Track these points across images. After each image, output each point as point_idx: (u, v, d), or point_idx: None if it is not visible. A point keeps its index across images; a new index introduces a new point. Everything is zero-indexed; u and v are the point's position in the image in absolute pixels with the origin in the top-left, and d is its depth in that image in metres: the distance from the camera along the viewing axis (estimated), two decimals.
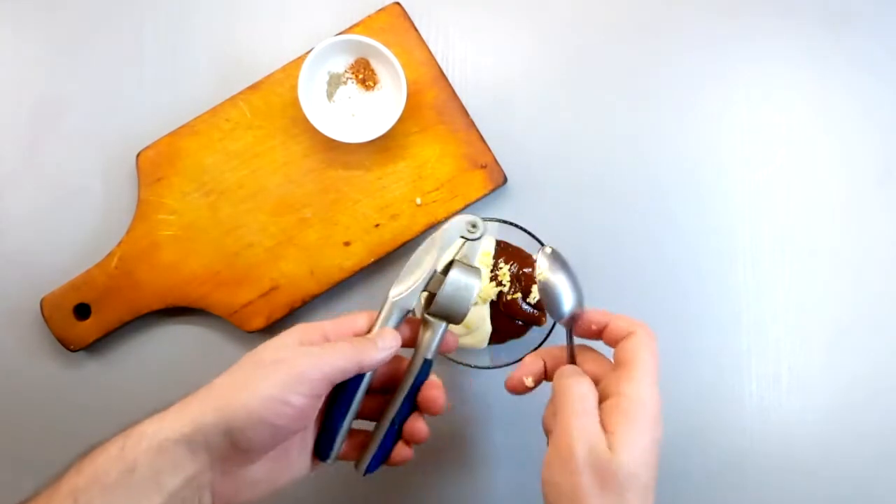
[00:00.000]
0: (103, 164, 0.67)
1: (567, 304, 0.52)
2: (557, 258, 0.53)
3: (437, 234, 0.51)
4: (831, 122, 0.68)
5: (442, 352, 0.52)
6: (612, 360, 0.49)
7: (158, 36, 0.68)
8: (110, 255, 0.64)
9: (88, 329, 0.64)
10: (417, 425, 0.50)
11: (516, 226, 0.61)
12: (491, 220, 0.61)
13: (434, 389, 0.50)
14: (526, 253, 0.61)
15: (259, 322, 0.65)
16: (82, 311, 0.64)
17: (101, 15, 0.68)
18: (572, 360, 0.51)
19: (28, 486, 0.66)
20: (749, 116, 0.68)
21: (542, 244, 0.60)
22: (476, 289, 0.51)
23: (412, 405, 0.51)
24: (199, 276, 0.64)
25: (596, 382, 0.48)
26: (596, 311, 0.51)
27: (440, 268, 0.51)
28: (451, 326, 0.58)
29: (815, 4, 0.68)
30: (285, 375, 0.43)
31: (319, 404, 0.45)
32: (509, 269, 0.60)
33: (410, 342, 0.52)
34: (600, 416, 0.45)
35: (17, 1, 0.68)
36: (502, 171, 0.66)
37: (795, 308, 0.67)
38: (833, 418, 0.66)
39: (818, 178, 0.68)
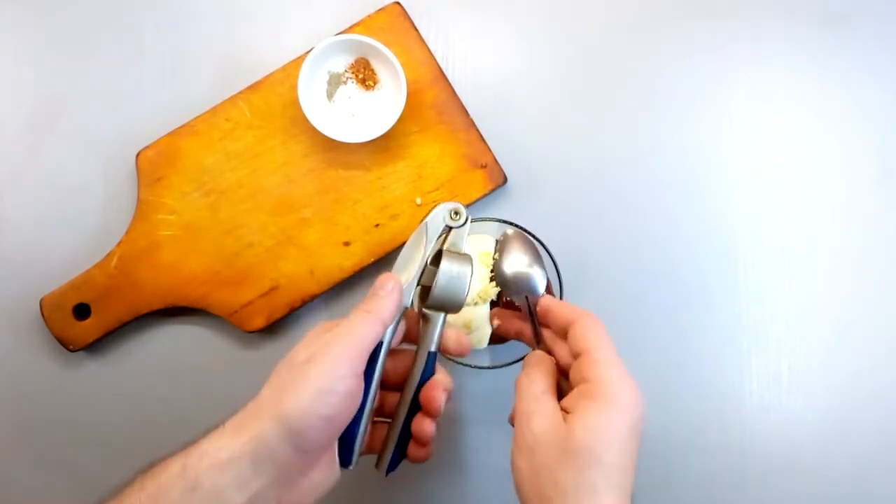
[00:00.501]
0: (103, 164, 0.67)
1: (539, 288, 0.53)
2: (514, 240, 0.54)
3: (422, 227, 0.52)
4: (831, 122, 0.68)
5: (457, 355, 0.52)
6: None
7: (158, 36, 0.68)
8: (110, 254, 0.64)
9: (88, 329, 0.64)
10: (421, 425, 0.50)
11: (516, 226, 0.61)
12: (491, 220, 0.61)
13: (433, 390, 0.50)
14: None
15: (259, 322, 0.64)
16: (82, 311, 0.64)
17: (101, 15, 0.68)
18: (538, 338, 0.53)
19: (28, 486, 0.67)
20: (749, 116, 0.68)
21: (542, 245, 0.60)
22: (468, 276, 0.50)
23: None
24: (199, 276, 0.64)
25: (566, 370, 0.48)
26: (546, 298, 0.52)
27: (430, 260, 0.51)
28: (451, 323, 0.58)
29: (815, 5, 0.68)
30: (322, 366, 0.44)
31: (362, 383, 0.46)
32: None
33: (412, 337, 0.52)
34: (565, 403, 0.45)
35: (18, 1, 0.68)
36: (502, 171, 0.66)
37: (795, 308, 0.67)
38: (833, 418, 0.66)
39: (818, 178, 0.68)
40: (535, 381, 0.47)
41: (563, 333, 0.49)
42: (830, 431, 0.66)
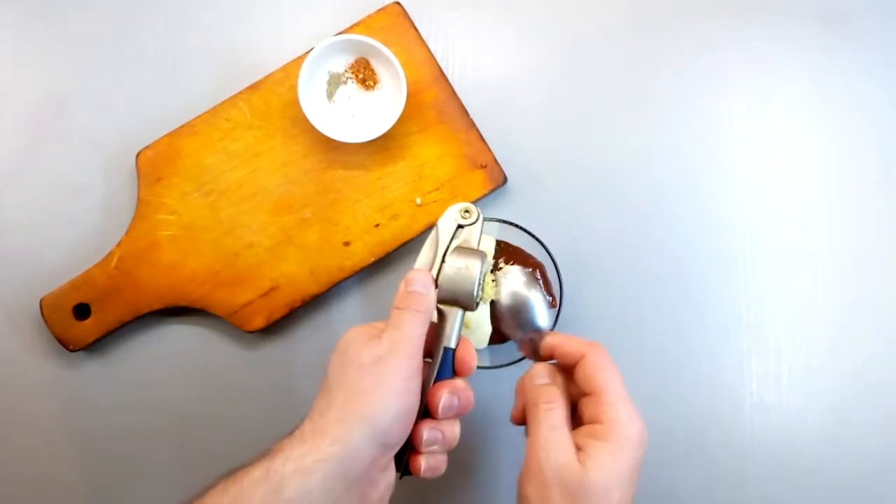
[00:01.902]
0: (103, 164, 0.67)
1: (539, 319, 0.54)
2: (528, 275, 0.55)
3: (435, 229, 0.52)
4: (831, 123, 0.68)
5: (462, 369, 0.51)
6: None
7: (158, 36, 0.68)
8: (110, 254, 0.64)
9: (88, 329, 0.64)
10: (417, 426, 0.49)
11: (516, 226, 0.61)
12: (491, 220, 0.61)
13: (437, 389, 0.49)
14: (526, 253, 0.61)
15: (259, 322, 0.64)
16: (82, 311, 0.64)
17: (101, 15, 0.68)
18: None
19: (28, 486, 0.67)
20: (749, 116, 0.68)
21: (542, 244, 0.60)
22: (477, 268, 0.50)
23: None
24: (199, 276, 0.64)
25: (575, 401, 0.49)
26: (551, 336, 0.52)
27: (443, 259, 0.51)
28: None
29: (815, 5, 0.68)
30: (395, 366, 0.45)
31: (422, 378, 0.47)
32: None
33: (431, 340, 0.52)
34: (577, 438, 0.46)
35: (18, 1, 0.68)
36: (502, 171, 0.66)
37: (795, 308, 0.67)
38: (833, 418, 0.66)
39: (818, 178, 0.68)
40: (555, 409, 0.48)
41: (571, 368, 0.50)
42: (830, 431, 0.66)
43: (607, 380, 0.47)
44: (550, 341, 0.52)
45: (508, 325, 0.58)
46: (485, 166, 0.65)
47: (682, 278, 0.67)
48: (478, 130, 0.65)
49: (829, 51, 0.68)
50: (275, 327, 0.65)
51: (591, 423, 0.47)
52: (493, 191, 0.66)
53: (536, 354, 0.53)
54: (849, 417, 0.66)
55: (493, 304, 0.59)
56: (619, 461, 0.45)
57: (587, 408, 0.47)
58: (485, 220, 0.61)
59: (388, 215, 0.65)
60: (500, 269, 0.60)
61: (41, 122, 0.67)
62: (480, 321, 0.60)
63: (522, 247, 0.61)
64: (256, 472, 0.44)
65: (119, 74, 0.67)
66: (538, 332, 0.56)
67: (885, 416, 0.66)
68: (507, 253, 0.61)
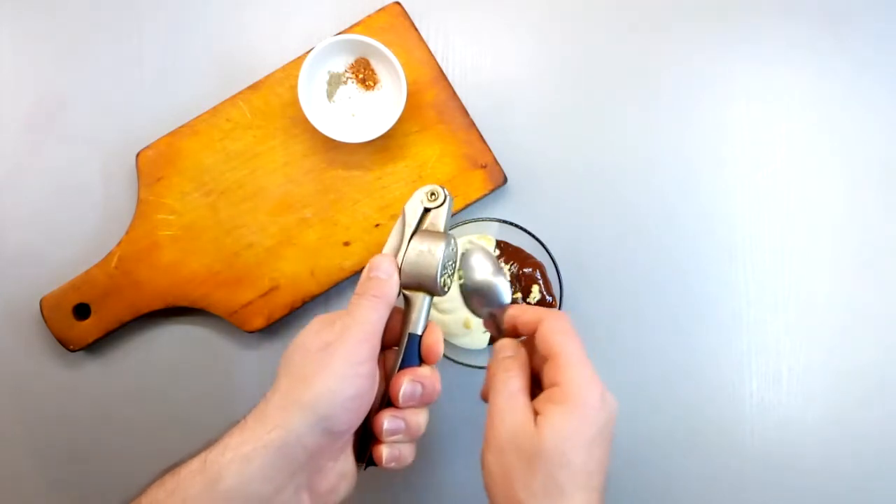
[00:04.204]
0: (103, 164, 0.67)
1: (504, 297, 0.54)
2: (474, 253, 0.54)
3: (402, 213, 0.51)
4: (831, 123, 0.68)
5: (428, 357, 0.50)
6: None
7: (158, 36, 0.68)
8: (110, 254, 0.64)
9: (88, 329, 0.64)
10: (378, 415, 0.48)
11: (516, 226, 0.61)
12: (491, 220, 0.61)
13: (400, 376, 0.48)
14: (526, 253, 0.61)
15: (259, 322, 0.64)
16: (82, 311, 0.64)
17: (101, 15, 0.68)
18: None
19: (28, 485, 0.66)
20: (749, 116, 0.68)
21: (543, 244, 0.60)
22: (441, 250, 0.49)
23: None
24: (199, 276, 0.64)
25: (539, 369, 0.48)
26: (512, 307, 0.51)
27: (409, 241, 0.50)
28: (452, 325, 0.58)
29: (815, 5, 0.68)
30: (343, 352, 0.44)
31: (377, 369, 0.46)
32: (509, 269, 0.60)
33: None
34: (536, 405, 0.45)
35: (18, 1, 0.68)
36: (502, 171, 0.66)
37: (795, 308, 0.67)
38: (833, 418, 0.66)
39: (818, 178, 0.68)
40: (512, 378, 0.47)
41: (532, 337, 0.49)
42: (830, 431, 0.66)
43: (563, 342, 0.46)
44: (511, 312, 0.51)
45: (474, 304, 0.57)
46: (485, 166, 0.65)
47: (682, 278, 0.67)
48: (478, 130, 0.65)
49: (830, 51, 0.68)
50: (275, 327, 0.65)
51: (549, 386, 0.46)
52: (493, 191, 0.66)
53: (500, 331, 0.53)
54: (849, 417, 0.66)
55: (461, 285, 0.57)
56: (576, 424, 0.43)
57: (547, 373, 0.46)
58: (484, 220, 0.61)
59: (388, 215, 0.65)
60: (465, 252, 0.58)
61: (41, 122, 0.67)
62: (480, 321, 0.60)
63: (522, 247, 0.61)
64: (195, 464, 0.43)
65: (119, 74, 0.67)
66: (501, 308, 0.54)
67: (885, 416, 0.66)
68: (507, 253, 0.61)
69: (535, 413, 0.45)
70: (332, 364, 0.44)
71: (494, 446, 0.45)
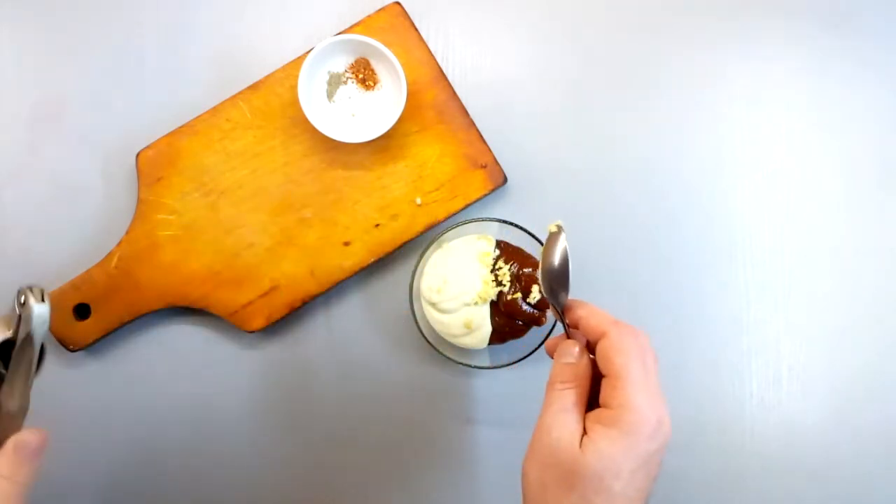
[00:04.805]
0: (103, 164, 0.67)
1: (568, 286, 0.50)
2: (562, 236, 0.51)
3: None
4: (831, 123, 0.68)
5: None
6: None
7: (158, 36, 0.68)
8: (110, 254, 0.64)
9: (88, 329, 0.64)
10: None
11: (516, 226, 0.61)
12: (491, 220, 0.61)
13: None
14: (526, 253, 0.61)
15: (259, 322, 0.65)
16: (82, 311, 0.64)
17: (101, 15, 0.68)
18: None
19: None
20: (749, 116, 0.68)
21: (543, 245, 0.60)
22: None
23: None
24: (199, 276, 0.64)
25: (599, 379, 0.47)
26: (575, 302, 0.49)
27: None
28: (452, 329, 0.58)
29: (815, 5, 0.68)
30: None
31: None
32: (509, 269, 0.60)
33: None
34: (587, 422, 0.44)
35: (18, 1, 0.68)
36: (502, 171, 0.66)
37: (795, 308, 0.67)
38: (833, 418, 0.66)
39: (818, 178, 0.68)
40: (567, 391, 0.46)
41: (595, 343, 0.47)
42: (830, 432, 0.66)
43: (624, 364, 0.44)
44: (579, 313, 0.48)
45: (551, 288, 0.55)
46: (485, 166, 0.65)
47: (682, 278, 0.67)
48: (478, 130, 0.65)
49: (830, 50, 0.68)
50: (275, 327, 0.66)
51: (603, 406, 0.44)
52: (493, 191, 0.66)
53: (564, 322, 0.50)
54: (848, 417, 0.66)
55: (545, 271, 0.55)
56: (621, 451, 0.42)
57: (603, 390, 0.44)
58: (485, 220, 0.61)
59: (388, 215, 0.65)
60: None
61: (41, 122, 0.67)
62: (481, 321, 0.60)
63: (522, 247, 0.61)
64: None
65: (119, 75, 0.67)
66: (565, 295, 0.52)
67: (884, 416, 0.66)
68: (507, 253, 0.61)
69: (584, 431, 0.44)
70: None
71: (536, 458, 0.44)
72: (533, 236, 0.60)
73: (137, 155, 0.64)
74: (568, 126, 0.68)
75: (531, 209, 0.67)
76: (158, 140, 0.64)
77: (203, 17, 0.68)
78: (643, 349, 0.45)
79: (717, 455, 0.66)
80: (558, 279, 0.51)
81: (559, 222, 0.53)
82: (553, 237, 0.52)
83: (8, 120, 0.67)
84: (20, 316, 0.47)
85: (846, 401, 0.67)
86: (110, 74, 0.67)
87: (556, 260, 0.51)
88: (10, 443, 0.46)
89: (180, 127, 0.65)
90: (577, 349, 0.47)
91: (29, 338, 0.47)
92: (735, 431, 0.66)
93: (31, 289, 0.47)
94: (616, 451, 0.42)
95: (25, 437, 0.46)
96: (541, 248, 0.60)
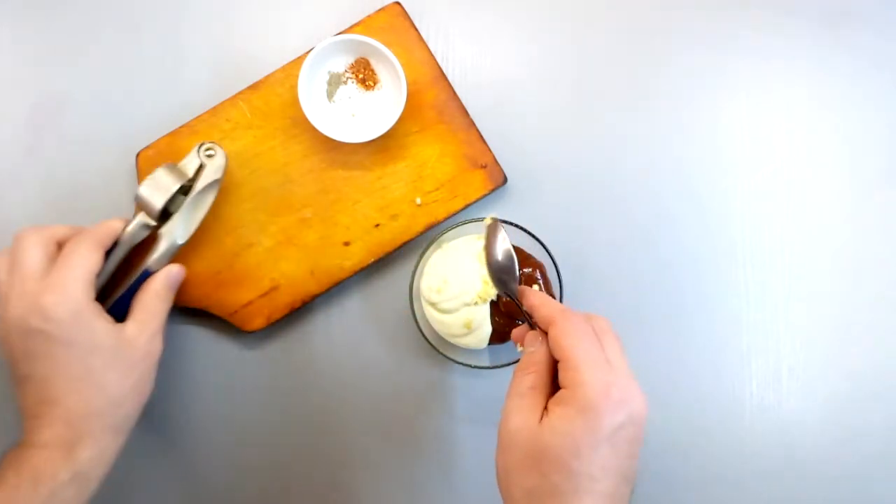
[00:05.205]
0: (103, 164, 0.67)
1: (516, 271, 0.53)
2: (500, 228, 0.54)
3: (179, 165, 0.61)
4: (832, 122, 0.68)
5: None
6: None
7: (158, 35, 0.68)
8: None
9: None
10: None
11: (516, 226, 0.61)
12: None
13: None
14: (526, 253, 0.61)
15: (259, 322, 0.65)
16: None
17: (101, 15, 0.68)
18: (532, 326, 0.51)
19: None
20: (749, 116, 0.68)
21: (542, 245, 0.60)
22: (172, 188, 0.59)
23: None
24: (200, 276, 0.64)
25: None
26: (530, 294, 0.51)
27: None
28: (452, 329, 0.58)
29: (815, 3, 0.68)
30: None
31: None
32: None
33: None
34: (549, 405, 0.45)
35: (18, 1, 0.68)
36: (502, 171, 0.66)
37: (795, 308, 0.67)
38: (833, 418, 0.66)
39: (818, 178, 0.68)
40: (526, 376, 0.47)
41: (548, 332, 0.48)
42: (830, 432, 0.66)
43: (572, 345, 0.44)
44: (532, 302, 0.50)
45: (500, 279, 0.56)
46: (485, 166, 0.65)
47: (682, 278, 0.67)
48: (478, 130, 0.65)
49: (830, 50, 0.68)
50: (275, 327, 0.66)
51: (563, 388, 0.45)
52: (493, 191, 0.66)
53: (523, 312, 0.51)
54: (848, 418, 0.66)
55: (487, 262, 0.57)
56: (577, 427, 0.42)
57: (560, 375, 0.45)
58: (485, 220, 0.61)
59: (388, 215, 0.65)
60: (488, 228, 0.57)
61: (41, 122, 0.67)
62: (481, 321, 0.60)
63: (522, 247, 0.61)
64: None
65: (119, 74, 0.67)
66: (515, 285, 0.54)
67: (884, 416, 0.67)
68: None
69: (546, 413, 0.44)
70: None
71: (500, 446, 0.45)
72: (533, 236, 0.60)
73: (138, 155, 0.64)
74: (568, 126, 0.68)
75: (531, 209, 0.67)
76: (158, 140, 0.65)
77: (203, 17, 0.68)
78: (596, 332, 0.46)
79: (716, 455, 0.66)
80: (504, 270, 0.53)
81: (494, 215, 0.54)
82: (491, 230, 0.54)
83: (8, 120, 0.67)
84: (201, 165, 0.60)
85: (846, 401, 0.67)
86: (110, 74, 0.67)
87: (499, 253, 0.53)
88: (164, 270, 0.60)
89: (180, 127, 0.65)
90: (537, 338, 0.48)
91: (215, 182, 0.61)
92: (735, 431, 0.66)
93: (214, 143, 0.61)
94: (573, 428, 0.42)
95: (175, 267, 0.60)
96: (541, 249, 0.61)
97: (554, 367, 0.47)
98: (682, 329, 0.67)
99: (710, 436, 0.66)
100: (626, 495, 0.44)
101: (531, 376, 0.46)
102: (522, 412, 0.45)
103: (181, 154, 0.64)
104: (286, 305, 0.65)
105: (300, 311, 0.65)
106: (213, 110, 0.65)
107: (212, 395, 0.66)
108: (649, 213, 0.67)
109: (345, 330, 0.67)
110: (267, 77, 0.65)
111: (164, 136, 0.65)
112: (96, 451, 0.54)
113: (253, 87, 0.65)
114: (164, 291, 0.59)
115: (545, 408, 0.45)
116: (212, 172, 0.60)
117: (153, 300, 0.58)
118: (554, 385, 0.47)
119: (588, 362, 0.44)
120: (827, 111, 0.68)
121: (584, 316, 0.47)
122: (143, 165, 0.64)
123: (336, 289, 0.66)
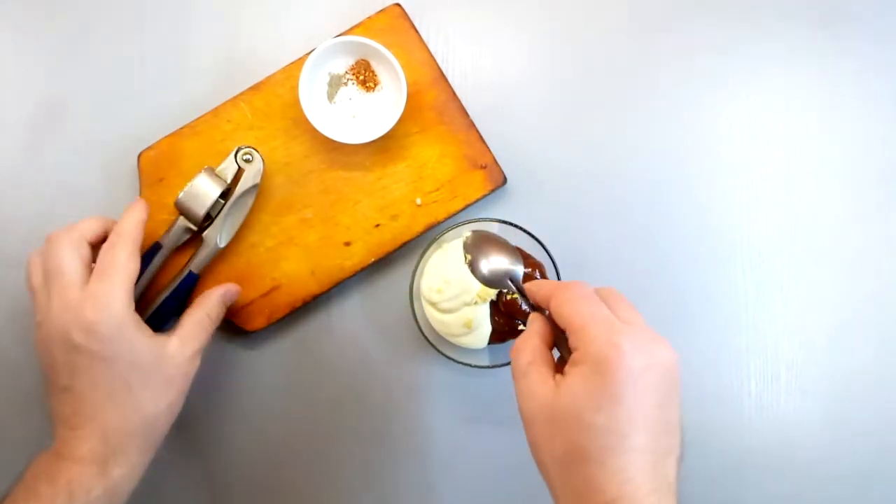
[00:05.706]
0: (104, 165, 0.67)
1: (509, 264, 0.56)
2: (481, 237, 0.58)
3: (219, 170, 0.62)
4: (830, 123, 0.69)
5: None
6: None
7: (159, 36, 0.68)
8: None
9: None
10: None
11: (516, 226, 0.61)
12: (491, 220, 0.62)
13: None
14: (526, 253, 0.61)
15: (260, 322, 0.65)
16: None
17: (101, 15, 0.68)
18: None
19: None
20: (748, 117, 0.68)
21: (542, 245, 0.61)
22: (213, 194, 0.60)
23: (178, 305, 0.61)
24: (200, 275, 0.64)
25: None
26: (527, 284, 0.51)
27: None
28: (452, 329, 0.58)
29: (814, 5, 0.69)
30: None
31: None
32: None
33: None
34: (564, 370, 0.44)
35: (18, 1, 0.68)
36: (502, 171, 0.66)
37: (795, 308, 0.67)
38: (832, 418, 0.67)
39: (817, 179, 0.68)
40: (520, 354, 0.47)
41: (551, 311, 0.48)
42: (829, 431, 0.67)
43: (573, 310, 0.44)
44: (528, 288, 0.50)
45: (496, 283, 0.58)
46: (485, 167, 0.66)
47: (681, 278, 0.67)
48: (478, 131, 0.66)
49: (829, 51, 0.69)
50: (275, 327, 0.66)
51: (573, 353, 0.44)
52: (493, 191, 0.66)
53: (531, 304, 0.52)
54: (848, 417, 0.67)
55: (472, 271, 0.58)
56: (592, 382, 0.41)
57: (570, 343, 0.45)
58: (484, 220, 0.62)
59: (388, 216, 0.65)
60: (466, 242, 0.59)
61: (42, 123, 0.67)
62: (480, 321, 0.60)
63: (522, 247, 0.62)
64: None
65: (120, 75, 0.68)
66: (516, 279, 0.56)
67: (883, 415, 0.67)
68: None
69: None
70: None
71: (524, 424, 0.45)
72: (533, 236, 0.61)
73: (139, 155, 0.65)
74: (568, 126, 0.68)
75: (531, 209, 0.67)
76: (160, 141, 0.65)
77: (204, 18, 0.68)
78: (604, 297, 0.46)
79: (715, 454, 0.66)
80: (494, 284, 0.57)
81: (467, 234, 0.57)
82: (470, 246, 0.57)
83: (9, 121, 0.67)
84: (239, 169, 0.61)
85: (844, 400, 0.67)
86: (112, 75, 0.68)
87: (486, 274, 0.57)
88: (222, 288, 0.61)
89: (182, 128, 0.65)
90: (537, 318, 0.49)
91: (253, 188, 0.62)
92: (733, 430, 0.66)
93: (251, 148, 0.62)
94: (589, 384, 0.41)
95: (233, 286, 0.62)
96: (541, 249, 0.61)
97: (551, 339, 0.48)
98: (682, 328, 0.67)
99: (709, 434, 0.66)
100: (670, 448, 0.43)
101: (525, 353, 0.46)
102: (531, 386, 0.44)
103: (182, 155, 0.65)
104: (287, 305, 0.65)
105: (301, 310, 0.66)
106: (215, 111, 0.65)
107: (212, 394, 0.66)
108: (649, 213, 0.68)
109: (345, 330, 0.67)
110: (268, 78, 0.65)
111: (165, 137, 0.65)
112: (128, 469, 0.54)
113: (254, 88, 0.65)
114: (218, 309, 0.60)
115: (561, 374, 0.44)
116: (250, 178, 0.61)
117: (205, 318, 0.58)
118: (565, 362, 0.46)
119: (592, 321, 0.43)
120: (825, 113, 0.69)
121: (579, 283, 0.47)
122: (145, 166, 0.64)
123: (336, 289, 0.66)
